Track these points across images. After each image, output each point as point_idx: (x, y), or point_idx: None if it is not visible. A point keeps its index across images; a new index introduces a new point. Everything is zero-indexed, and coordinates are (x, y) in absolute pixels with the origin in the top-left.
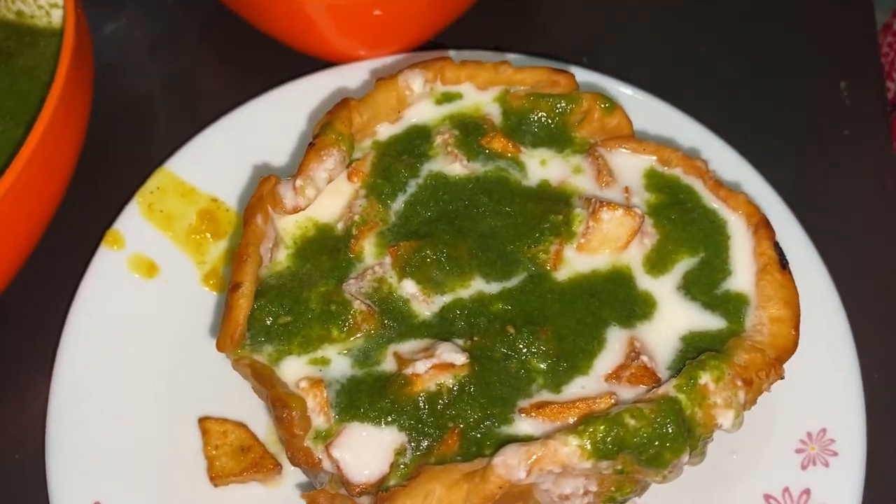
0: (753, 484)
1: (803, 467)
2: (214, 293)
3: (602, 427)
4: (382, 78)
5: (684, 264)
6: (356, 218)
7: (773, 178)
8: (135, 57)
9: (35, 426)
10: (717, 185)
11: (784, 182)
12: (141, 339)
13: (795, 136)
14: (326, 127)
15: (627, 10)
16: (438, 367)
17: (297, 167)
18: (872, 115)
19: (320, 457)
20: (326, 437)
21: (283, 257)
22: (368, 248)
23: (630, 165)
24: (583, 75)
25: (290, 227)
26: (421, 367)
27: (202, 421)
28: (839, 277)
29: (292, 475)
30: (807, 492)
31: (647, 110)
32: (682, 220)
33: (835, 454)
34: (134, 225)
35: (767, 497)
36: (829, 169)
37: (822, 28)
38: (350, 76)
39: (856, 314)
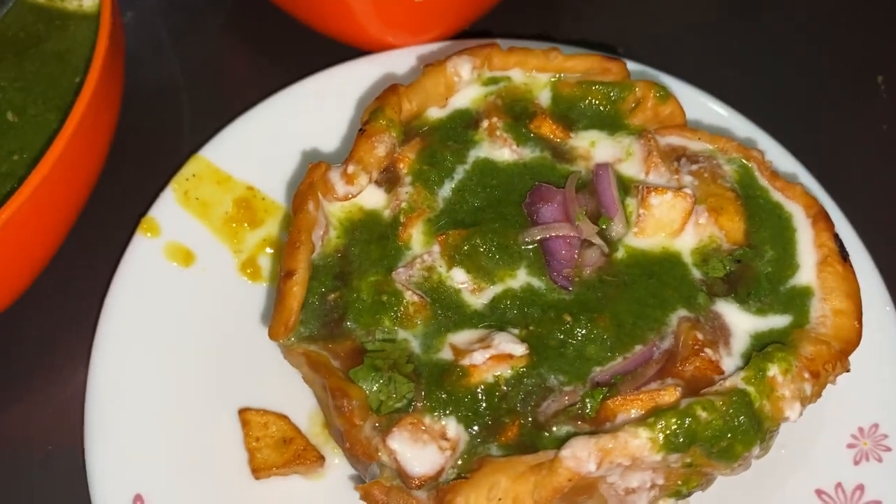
0: (804, 479)
1: (856, 462)
2: (251, 282)
3: (674, 419)
4: (430, 64)
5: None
6: (403, 205)
7: (814, 173)
8: (157, 44)
9: (71, 418)
10: (774, 175)
11: (825, 178)
12: (178, 328)
13: (833, 132)
14: (377, 113)
15: (665, 2)
16: (496, 357)
17: (347, 154)
18: None
19: (378, 447)
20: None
21: (332, 241)
22: (416, 236)
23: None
24: (630, 66)
25: (336, 210)
26: (478, 357)
27: (242, 412)
28: (887, 273)
29: (334, 468)
30: (860, 487)
31: (691, 103)
32: (754, 218)
33: (888, 449)
34: (170, 212)
35: (819, 492)
36: (869, 165)
37: (858, 23)
38: (388, 63)
39: None
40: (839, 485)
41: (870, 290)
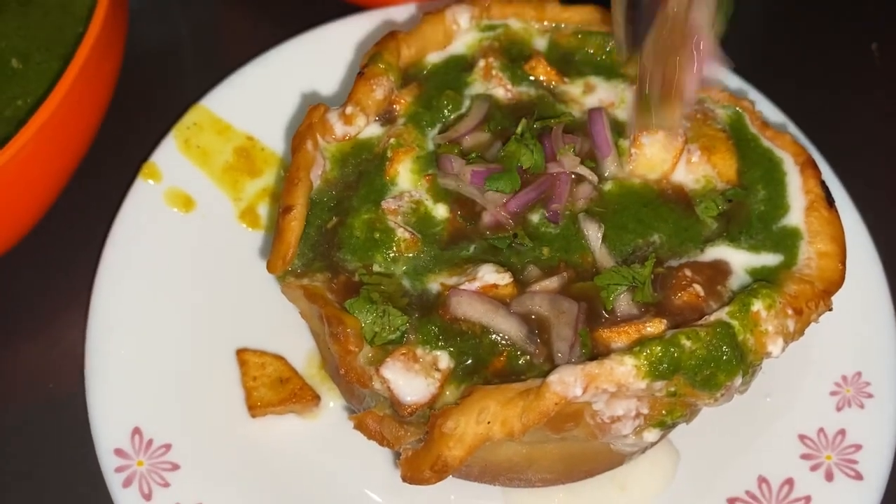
0: (788, 425)
1: (838, 409)
2: (250, 230)
3: (658, 348)
4: (429, 12)
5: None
6: (391, 141)
7: (805, 135)
8: (163, 2)
9: (71, 357)
10: (764, 125)
11: (816, 140)
12: (178, 272)
13: (826, 97)
14: (376, 57)
15: None
16: (483, 289)
17: (346, 96)
18: None
19: (371, 375)
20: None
21: (327, 175)
22: (404, 174)
23: None
24: None
25: (329, 146)
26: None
27: (240, 353)
28: (873, 225)
29: (330, 409)
30: (842, 432)
31: None
32: (745, 159)
33: (870, 396)
34: (171, 159)
35: (802, 437)
36: (861, 130)
37: None
38: (388, 18)
39: (890, 261)
40: (821, 430)
41: (856, 242)
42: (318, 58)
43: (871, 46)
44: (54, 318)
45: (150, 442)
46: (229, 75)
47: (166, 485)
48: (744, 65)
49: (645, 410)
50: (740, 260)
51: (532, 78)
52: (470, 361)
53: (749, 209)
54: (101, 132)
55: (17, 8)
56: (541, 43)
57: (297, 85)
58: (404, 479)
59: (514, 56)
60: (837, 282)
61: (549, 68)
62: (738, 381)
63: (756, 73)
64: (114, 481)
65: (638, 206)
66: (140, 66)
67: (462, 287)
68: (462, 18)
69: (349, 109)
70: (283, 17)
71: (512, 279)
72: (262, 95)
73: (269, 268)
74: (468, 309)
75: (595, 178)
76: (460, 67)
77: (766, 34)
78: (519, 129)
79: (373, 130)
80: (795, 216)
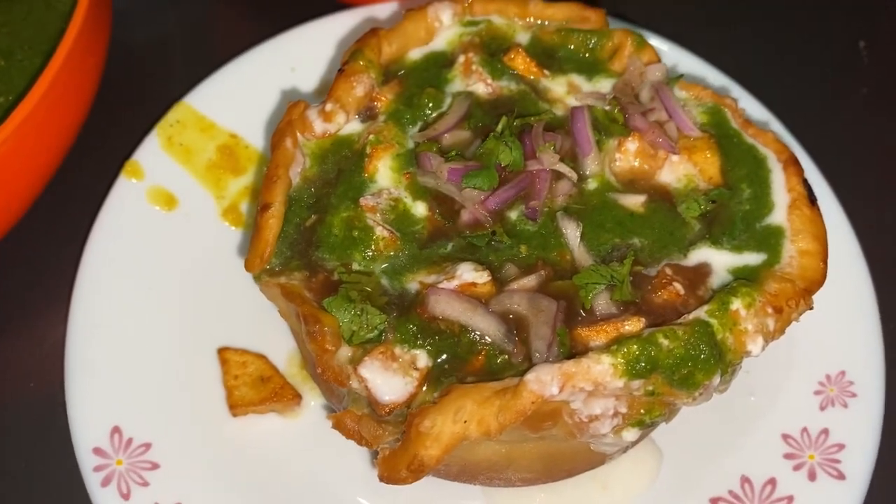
0: (771, 424)
1: (822, 408)
2: (233, 228)
3: (635, 346)
4: (411, 9)
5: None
6: (371, 137)
7: (791, 132)
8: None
9: (52, 356)
10: (747, 123)
11: (802, 138)
12: (160, 270)
13: (813, 94)
14: (356, 54)
15: None
16: (461, 287)
17: (326, 94)
18: (891, 76)
19: (349, 374)
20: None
21: (306, 172)
22: (383, 171)
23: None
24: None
25: (308, 143)
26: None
27: (222, 351)
28: (859, 224)
29: (311, 408)
30: (825, 432)
31: (668, 58)
32: (729, 157)
33: (854, 395)
34: (153, 156)
35: (785, 437)
36: (847, 127)
37: None
38: (372, 16)
39: (875, 259)
40: (805, 429)
41: (841, 241)
42: (304, 55)
43: (859, 45)
44: (36, 317)
45: (129, 441)
46: (213, 72)
47: (145, 484)
48: (729, 61)
49: (623, 409)
50: (723, 261)
51: (513, 71)
52: (448, 360)
53: (732, 210)
54: (86, 129)
55: (0, 4)
56: (523, 38)
57: (281, 82)
58: (381, 479)
59: (493, 51)
60: (819, 280)
61: (527, 59)
62: (717, 380)
63: (741, 70)
64: (92, 480)
65: (621, 211)
66: (129, 63)
67: (440, 285)
68: (444, 15)
69: (329, 106)
70: (274, 14)
71: (490, 277)
72: (246, 93)
73: (247, 266)
74: (446, 307)
75: (574, 176)
76: (440, 64)
77: (753, 31)
78: (499, 127)
79: (353, 127)
80: (779, 214)
